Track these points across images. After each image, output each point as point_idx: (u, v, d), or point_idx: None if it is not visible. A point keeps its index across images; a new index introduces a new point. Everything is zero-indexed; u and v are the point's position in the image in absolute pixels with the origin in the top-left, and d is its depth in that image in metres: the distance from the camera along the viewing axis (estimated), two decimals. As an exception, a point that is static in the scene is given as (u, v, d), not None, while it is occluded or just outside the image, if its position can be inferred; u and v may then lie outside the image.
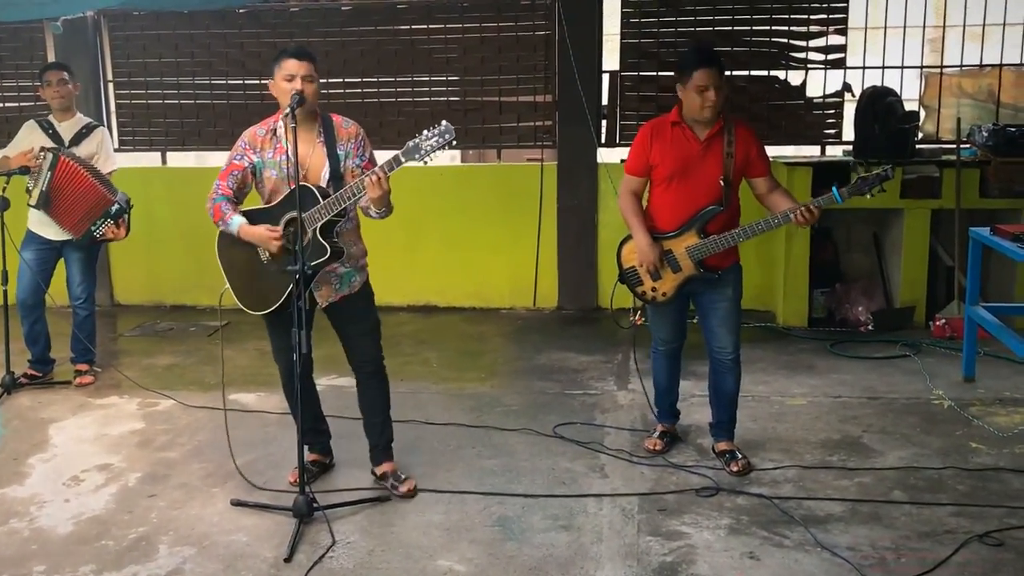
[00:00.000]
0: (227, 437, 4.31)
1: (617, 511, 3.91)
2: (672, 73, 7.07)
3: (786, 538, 3.62)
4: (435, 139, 3.60)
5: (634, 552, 3.57)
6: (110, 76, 7.79)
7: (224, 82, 7.60)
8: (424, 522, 3.85)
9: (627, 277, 4.40)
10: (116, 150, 6.15)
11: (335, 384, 5.43)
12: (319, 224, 3.75)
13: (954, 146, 6.70)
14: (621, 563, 3.50)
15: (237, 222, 3.87)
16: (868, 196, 4.09)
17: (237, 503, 4.03)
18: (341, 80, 7.44)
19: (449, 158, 10.74)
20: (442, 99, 7.42)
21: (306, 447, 4.23)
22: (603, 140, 7.32)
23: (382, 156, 3.85)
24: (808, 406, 5.13)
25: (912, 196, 6.55)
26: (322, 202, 3.73)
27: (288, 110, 3.71)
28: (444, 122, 3.62)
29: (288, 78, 3.81)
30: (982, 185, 6.51)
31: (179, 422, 5.10)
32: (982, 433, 4.68)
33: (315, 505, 3.83)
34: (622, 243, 4.41)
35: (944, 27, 7.00)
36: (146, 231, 7.72)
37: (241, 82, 7.58)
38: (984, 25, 6.94)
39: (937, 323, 6.49)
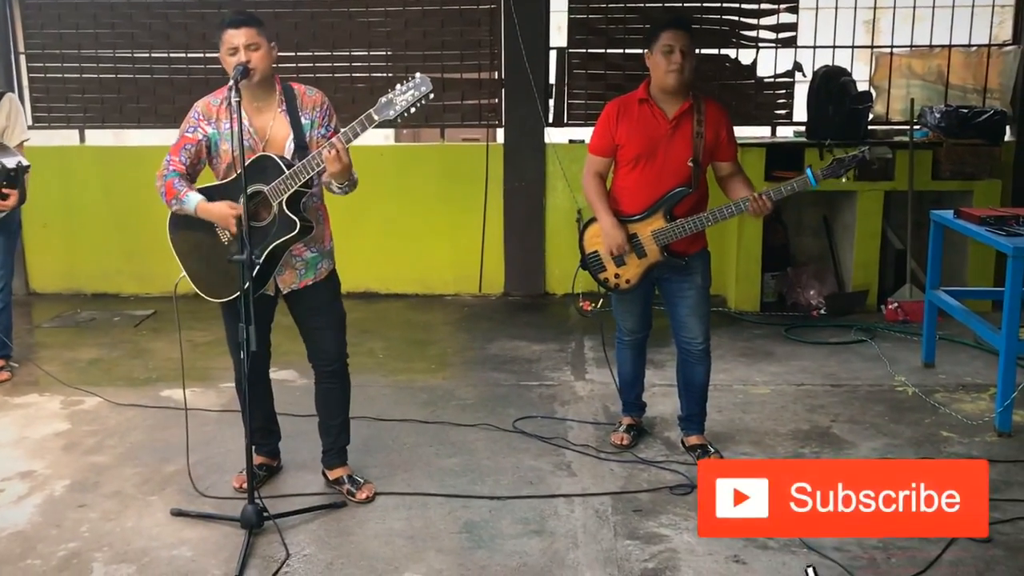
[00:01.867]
0: (186, 435, 3.99)
1: (590, 512, 3.69)
2: (621, 50, 7.05)
3: (770, 539, 3.45)
4: (410, 93, 3.31)
5: (613, 558, 3.36)
6: (22, 48, 7.24)
7: (148, 55, 7.11)
8: (385, 530, 3.58)
9: (589, 263, 4.16)
10: (29, 127, 5.65)
11: (275, 378, 5.06)
12: (285, 196, 3.44)
13: (904, 127, 6.65)
14: (601, 571, 3.28)
15: (194, 199, 3.52)
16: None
17: (178, 513, 3.70)
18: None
19: (383, 137, 10.39)
20: (381, 75, 7.07)
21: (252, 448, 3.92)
22: (551, 119, 7.06)
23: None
24: (772, 395, 4.99)
25: (865, 178, 6.45)
26: (287, 172, 3.42)
27: (232, 83, 3.38)
28: (418, 73, 3.33)
29: (231, 51, 3.47)
30: (934, 167, 6.44)
31: (108, 422, 4.71)
32: (950, 421, 4.58)
33: (265, 514, 3.52)
34: (585, 226, 4.18)
35: (895, 8, 6.89)
36: (63, 214, 7.27)
37: (166, 55, 7.10)
38: (934, 7, 6.87)
39: (890, 307, 6.43)
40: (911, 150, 6.36)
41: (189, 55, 7.10)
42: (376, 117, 3.36)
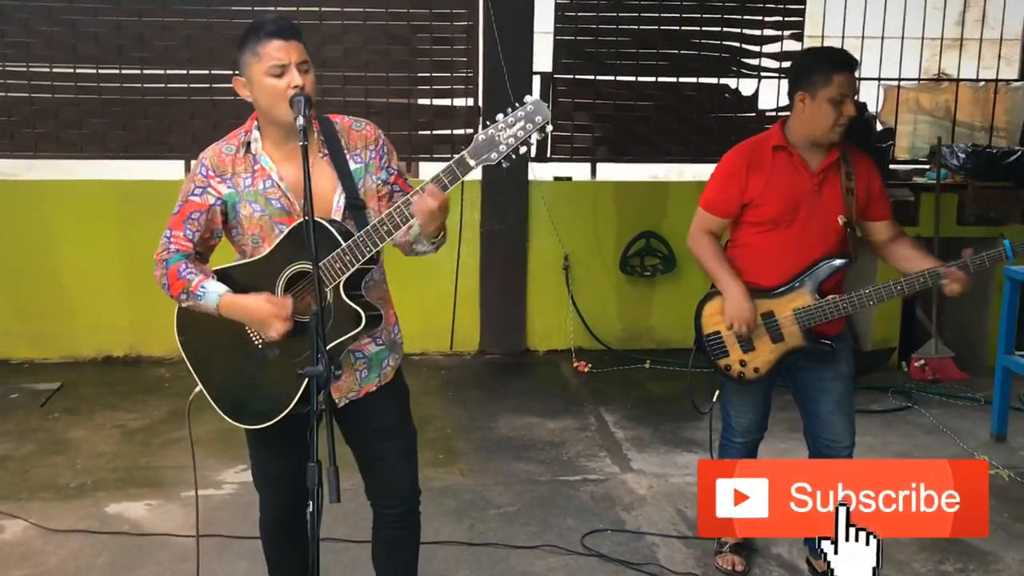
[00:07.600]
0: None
1: None
2: (613, 77, 6.29)
3: None
4: (519, 126, 2.31)
5: None
6: None
7: (48, 70, 5.83)
8: None
9: (709, 346, 3.34)
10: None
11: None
12: (344, 278, 2.44)
13: (920, 167, 6.16)
14: None
15: (214, 293, 2.47)
16: None
17: None
18: (207, 72, 5.91)
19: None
20: (337, 99, 6.02)
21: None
22: (533, 154, 6.21)
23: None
24: (860, 486, 4.27)
25: (888, 224, 5.89)
26: (343, 243, 2.42)
27: (299, 121, 2.38)
28: (529, 97, 2.35)
29: (276, 71, 2.44)
30: (960, 211, 5.95)
31: (47, 560, 3.53)
32: (1077, 516, 3.99)
33: None
34: (703, 302, 3.36)
35: (902, 39, 6.40)
36: (-63, 263, 5.88)
37: (71, 71, 5.82)
38: (942, 39, 6.43)
39: (915, 365, 5.88)
40: (937, 193, 5.85)
41: (100, 71, 5.86)
42: (472, 163, 2.36)
